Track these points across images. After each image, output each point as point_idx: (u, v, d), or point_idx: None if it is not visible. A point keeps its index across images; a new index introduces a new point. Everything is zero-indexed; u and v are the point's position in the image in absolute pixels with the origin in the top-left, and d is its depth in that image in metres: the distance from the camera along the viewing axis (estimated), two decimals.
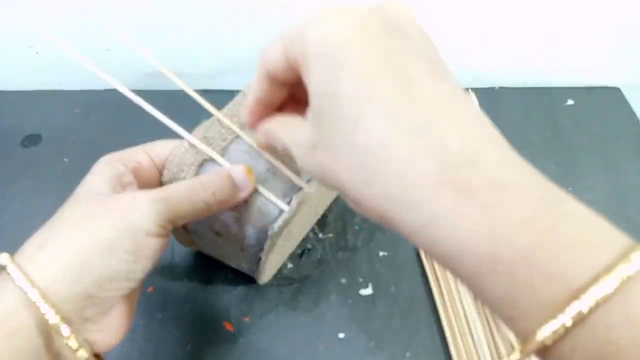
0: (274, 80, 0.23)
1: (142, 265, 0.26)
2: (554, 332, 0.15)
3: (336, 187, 0.20)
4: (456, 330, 0.40)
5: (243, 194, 0.29)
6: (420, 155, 0.17)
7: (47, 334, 0.23)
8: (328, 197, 0.42)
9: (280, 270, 0.43)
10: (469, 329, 0.40)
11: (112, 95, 0.54)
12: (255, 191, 0.30)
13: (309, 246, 0.45)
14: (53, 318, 0.22)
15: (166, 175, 0.30)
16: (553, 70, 0.61)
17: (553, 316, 0.15)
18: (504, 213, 0.16)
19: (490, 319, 0.41)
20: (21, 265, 0.23)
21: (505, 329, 0.40)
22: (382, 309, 0.42)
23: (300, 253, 0.45)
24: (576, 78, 0.62)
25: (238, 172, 0.28)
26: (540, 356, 0.16)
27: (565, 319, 0.15)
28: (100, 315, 0.25)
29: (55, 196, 0.46)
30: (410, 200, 0.17)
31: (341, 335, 0.40)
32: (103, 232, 0.24)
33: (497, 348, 0.39)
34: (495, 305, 0.17)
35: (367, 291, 0.43)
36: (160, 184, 0.31)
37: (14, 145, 0.50)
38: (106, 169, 0.28)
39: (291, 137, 0.22)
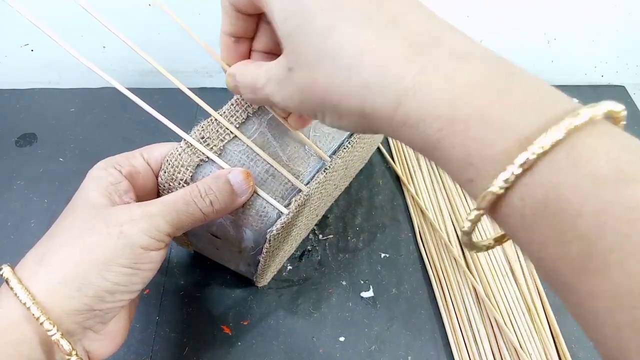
0: (238, 12, 0.25)
1: (141, 278, 0.26)
2: (505, 181, 0.16)
3: (316, 103, 0.21)
4: (459, 333, 0.40)
5: (241, 200, 0.28)
6: (390, 42, 0.19)
7: (49, 347, 0.23)
8: (329, 199, 0.41)
9: (279, 273, 0.42)
10: (472, 332, 0.40)
11: (107, 94, 0.54)
12: (254, 193, 0.29)
13: (309, 247, 0.44)
14: (55, 335, 0.22)
15: (163, 176, 0.29)
16: (558, 68, 0.60)
17: (504, 168, 0.16)
18: (462, 79, 0.17)
19: (493, 321, 0.40)
20: (22, 278, 0.23)
21: (508, 332, 0.39)
22: (384, 311, 0.41)
23: (300, 255, 0.44)
24: (581, 76, 0.61)
25: (236, 176, 0.28)
26: (493, 215, 0.18)
27: (514, 168, 0.16)
28: (101, 325, 0.25)
29: (51, 197, 0.46)
30: (384, 83, 0.18)
31: (341, 339, 0.39)
32: (100, 247, 0.24)
33: (500, 351, 0.39)
34: (457, 171, 0.18)
35: (368, 293, 0.42)
36: (157, 185, 0.30)
37: (8, 145, 0.50)
38: (102, 176, 0.27)
39: (265, 73, 0.24)
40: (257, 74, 0.24)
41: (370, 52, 0.19)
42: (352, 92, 0.19)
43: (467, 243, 0.20)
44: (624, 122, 0.18)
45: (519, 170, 0.16)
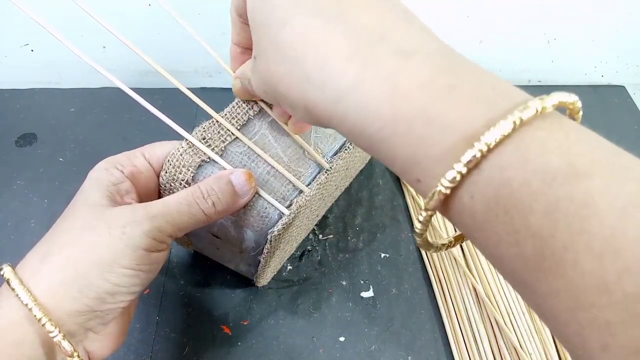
0: (244, 21, 0.25)
1: (142, 279, 0.26)
2: (451, 180, 0.15)
3: (273, 92, 0.22)
4: (459, 333, 0.40)
5: (243, 201, 0.28)
6: (335, 36, 0.18)
7: (50, 347, 0.23)
8: (329, 199, 0.41)
9: (279, 273, 0.42)
10: (472, 331, 0.40)
11: (107, 94, 0.54)
12: (255, 194, 0.29)
13: (309, 247, 0.44)
14: (57, 336, 0.22)
15: (164, 176, 0.29)
16: (558, 68, 0.60)
17: (450, 166, 0.15)
18: (405, 78, 0.17)
19: (493, 321, 0.40)
20: (24, 278, 0.23)
21: (508, 332, 0.39)
22: (384, 311, 0.41)
23: (300, 255, 0.44)
24: (581, 76, 0.61)
25: (238, 177, 0.27)
26: (446, 215, 0.17)
27: (460, 166, 0.15)
28: (101, 326, 0.25)
29: (51, 197, 0.46)
30: (324, 78, 0.18)
31: (341, 339, 0.39)
32: (102, 248, 0.24)
33: (500, 351, 0.39)
34: (403, 170, 0.18)
35: (368, 293, 0.42)
36: (158, 185, 0.30)
37: (8, 145, 0.50)
38: (103, 176, 0.27)
39: (248, 66, 0.26)
40: (247, 67, 0.26)
41: (314, 46, 0.19)
42: (296, 84, 0.20)
43: (422, 244, 0.20)
44: (581, 114, 0.17)
45: (465, 169, 0.15)
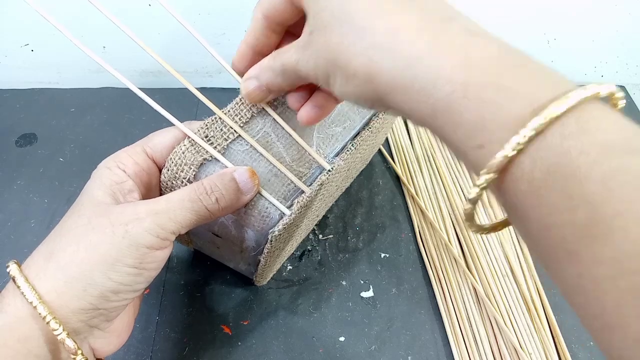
0: (269, 24, 0.26)
1: (145, 277, 0.26)
2: (517, 144, 0.16)
3: (328, 63, 0.22)
4: (459, 333, 0.40)
5: (247, 198, 0.28)
6: (405, 10, 0.20)
7: (55, 344, 0.24)
8: (330, 200, 0.41)
9: (279, 273, 0.42)
10: (472, 331, 0.40)
11: (107, 94, 0.54)
12: (256, 193, 0.29)
13: (309, 247, 0.44)
14: (61, 334, 0.23)
15: (166, 174, 0.29)
16: (558, 68, 0.60)
17: (516, 131, 0.16)
18: (477, 50, 0.18)
19: (493, 321, 0.40)
20: (29, 276, 0.23)
21: (508, 332, 0.39)
22: (384, 311, 0.41)
23: (300, 255, 0.44)
24: (581, 76, 0.61)
25: (242, 174, 0.28)
26: (499, 185, 0.18)
27: (527, 130, 0.16)
28: (106, 323, 0.26)
29: (51, 196, 0.46)
30: (395, 46, 0.19)
31: (341, 339, 0.39)
32: (106, 247, 0.24)
33: (500, 351, 0.39)
34: (466, 136, 0.18)
35: (368, 293, 0.42)
36: (160, 182, 0.30)
37: (8, 145, 0.50)
38: (105, 174, 0.27)
39: (290, 48, 0.25)
40: (286, 52, 0.25)
41: (384, 17, 0.20)
42: (362, 52, 0.20)
43: (470, 215, 0.20)
44: (621, 108, 0.19)
45: (532, 133, 0.16)
